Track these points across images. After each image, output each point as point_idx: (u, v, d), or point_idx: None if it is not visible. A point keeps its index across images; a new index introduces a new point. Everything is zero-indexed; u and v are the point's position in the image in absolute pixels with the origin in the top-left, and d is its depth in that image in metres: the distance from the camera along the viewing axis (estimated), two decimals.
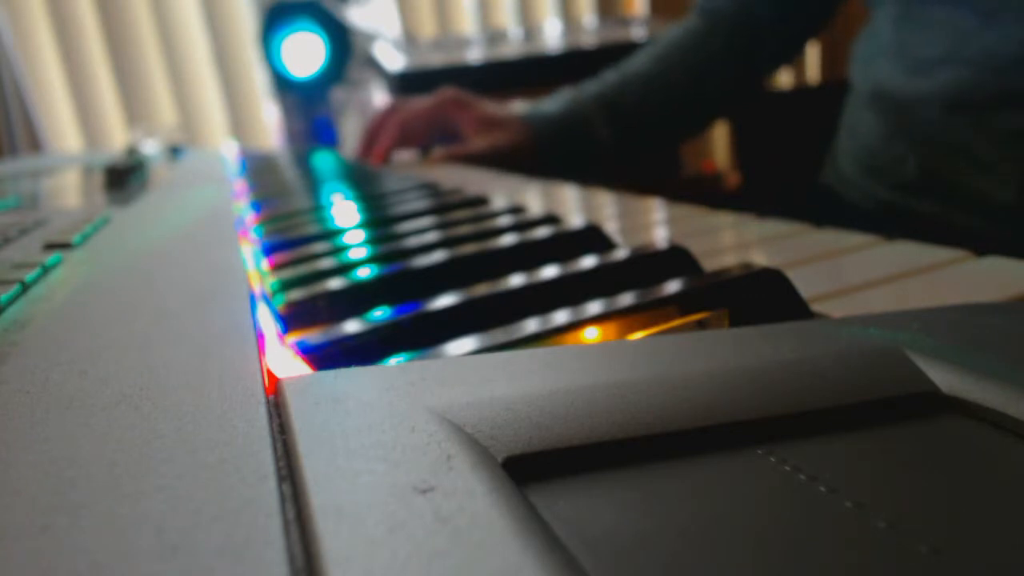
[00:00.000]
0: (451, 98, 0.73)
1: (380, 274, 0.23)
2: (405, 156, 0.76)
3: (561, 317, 0.17)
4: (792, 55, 0.87)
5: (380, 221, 0.35)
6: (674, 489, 0.10)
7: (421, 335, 0.17)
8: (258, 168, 0.71)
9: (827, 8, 0.81)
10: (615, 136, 0.74)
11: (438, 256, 0.25)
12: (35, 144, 1.20)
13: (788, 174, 0.87)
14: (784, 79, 2.03)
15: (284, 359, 0.16)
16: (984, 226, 0.49)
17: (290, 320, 0.20)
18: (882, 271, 0.20)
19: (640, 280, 0.20)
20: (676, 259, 0.22)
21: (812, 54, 1.98)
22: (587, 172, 0.51)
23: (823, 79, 1.85)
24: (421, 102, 0.73)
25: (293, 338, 0.18)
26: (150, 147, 0.97)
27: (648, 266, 0.21)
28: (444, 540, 0.08)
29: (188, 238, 0.30)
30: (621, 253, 0.23)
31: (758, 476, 0.10)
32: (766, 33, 0.79)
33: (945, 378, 0.12)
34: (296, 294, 0.22)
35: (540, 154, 0.74)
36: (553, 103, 0.78)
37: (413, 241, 0.28)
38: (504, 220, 0.31)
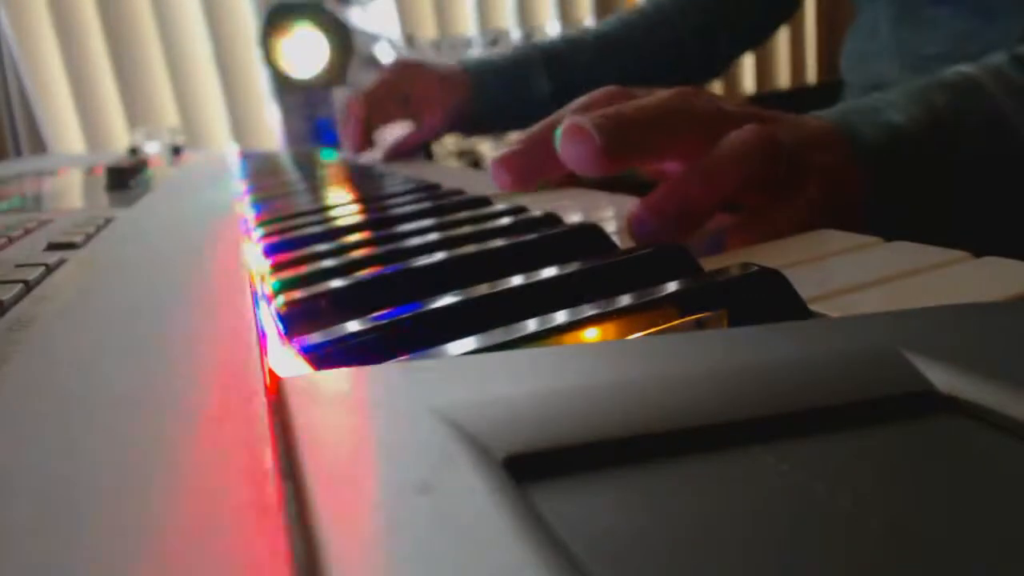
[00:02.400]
0: (403, 65, 0.73)
1: (381, 274, 0.23)
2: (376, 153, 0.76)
3: (561, 317, 0.17)
4: (758, 39, 0.87)
5: (381, 222, 0.35)
6: (674, 488, 0.10)
7: (422, 335, 0.18)
8: (260, 169, 0.72)
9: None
10: (553, 89, 0.71)
11: (439, 256, 0.25)
12: (39, 146, 1.20)
13: None
14: (782, 79, 2.03)
15: (285, 359, 0.16)
16: (983, 223, 0.49)
17: (291, 320, 0.20)
18: (880, 271, 0.20)
19: (640, 280, 0.20)
20: (675, 259, 0.22)
21: (810, 55, 1.98)
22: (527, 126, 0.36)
23: (820, 80, 1.85)
24: (376, 78, 0.74)
25: (294, 338, 0.18)
26: (152, 148, 0.97)
27: (647, 266, 0.21)
28: (445, 540, 0.08)
29: (190, 238, 0.31)
30: (621, 253, 0.23)
31: (757, 475, 0.10)
32: (732, 15, 0.79)
33: (942, 377, 0.12)
34: (297, 294, 0.22)
35: (479, 104, 0.70)
36: (503, 54, 0.76)
37: (414, 241, 0.28)
38: (504, 220, 0.31)
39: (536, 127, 0.32)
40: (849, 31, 0.68)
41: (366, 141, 0.73)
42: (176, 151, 0.92)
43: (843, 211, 0.30)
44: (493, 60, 0.75)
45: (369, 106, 0.72)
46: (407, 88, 0.72)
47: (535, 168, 0.32)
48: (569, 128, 0.27)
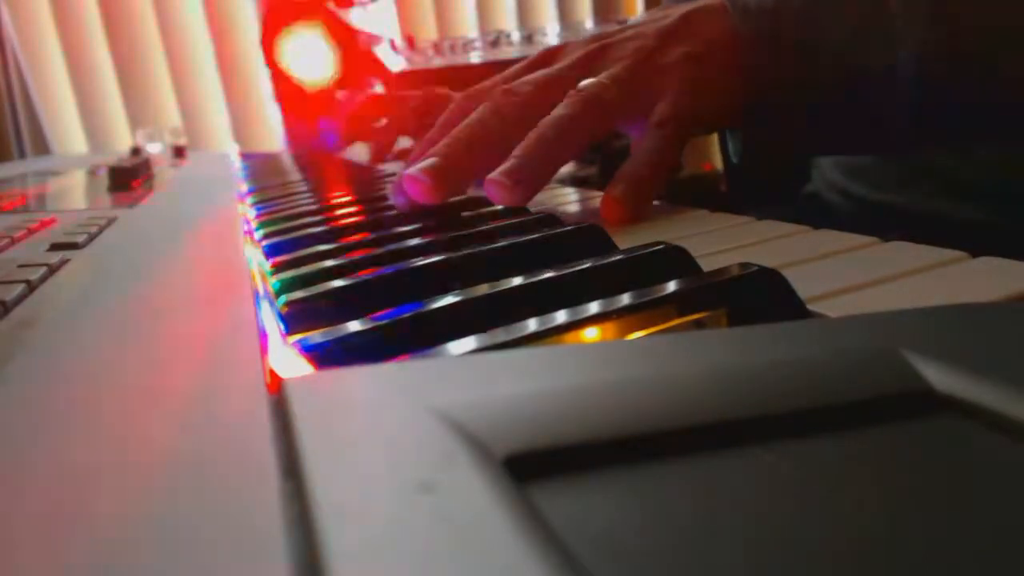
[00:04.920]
0: (436, 94, 0.76)
1: (382, 274, 0.23)
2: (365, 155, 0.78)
3: (561, 317, 0.17)
4: None
5: (382, 222, 0.35)
6: (673, 487, 0.10)
7: (422, 334, 0.18)
8: (261, 170, 0.72)
9: None
10: None
11: (439, 256, 0.25)
12: (43, 147, 1.21)
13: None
14: None
15: (287, 358, 0.16)
16: (969, 215, 0.50)
17: (292, 320, 0.21)
18: (878, 271, 0.20)
19: (639, 280, 0.20)
20: (675, 259, 0.22)
21: None
22: None
23: None
24: (409, 92, 0.77)
25: (295, 337, 0.18)
26: (154, 149, 0.98)
27: (647, 266, 0.21)
28: (445, 539, 0.08)
29: (192, 239, 0.31)
30: (620, 253, 0.23)
31: (756, 474, 0.10)
32: None
33: (941, 377, 0.12)
34: (298, 294, 0.22)
35: None
36: None
37: (415, 241, 0.29)
38: (505, 220, 0.31)
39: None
40: None
41: (386, 152, 0.74)
42: (178, 152, 0.92)
43: (720, 85, 0.34)
44: None
45: (387, 105, 0.74)
46: (436, 114, 0.74)
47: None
48: (407, 178, 0.33)
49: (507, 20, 1.73)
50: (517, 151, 0.32)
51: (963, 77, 0.34)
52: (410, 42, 1.30)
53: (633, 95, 0.34)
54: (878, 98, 0.35)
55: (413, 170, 0.33)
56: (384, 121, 0.77)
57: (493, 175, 0.31)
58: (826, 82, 0.35)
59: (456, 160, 0.33)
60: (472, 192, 0.40)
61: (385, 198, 0.43)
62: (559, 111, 0.33)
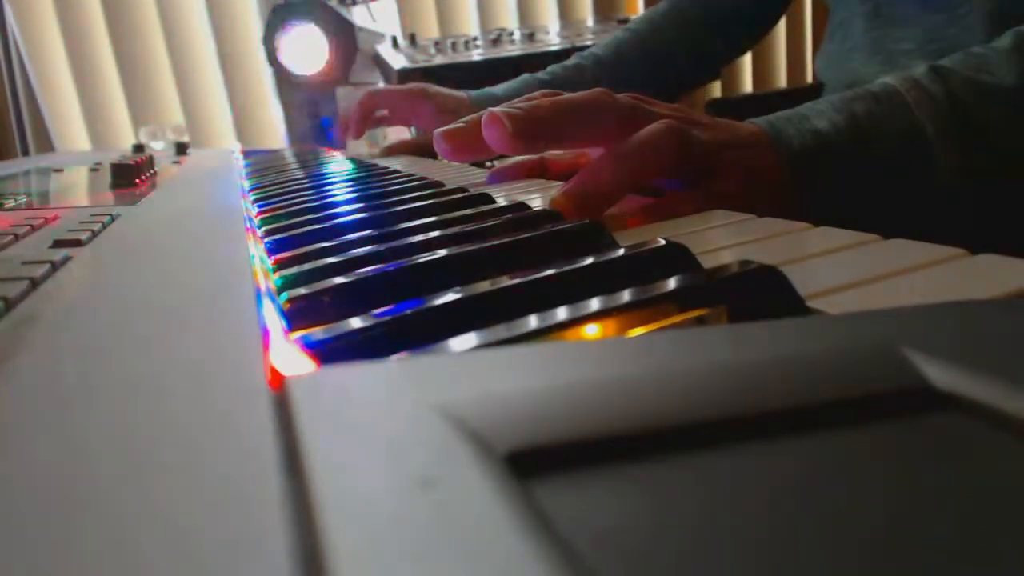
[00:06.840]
0: (415, 89, 0.77)
1: (384, 271, 0.24)
2: (363, 149, 0.79)
3: (562, 313, 0.17)
4: (754, 38, 0.89)
5: (384, 218, 0.35)
6: (673, 484, 0.10)
7: (424, 331, 0.18)
8: (263, 167, 0.72)
9: (780, 1, 0.84)
10: None
11: (441, 253, 0.25)
12: (46, 144, 1.21)
13: None
14: (780, 79, 2.03)
15: (289, 355, 0.16)
16: (961, 213, 0.50)
17: (294, 316, 0.21)
18: (878, 268, 0.20)
19: (640, 277, 0.20)
20: (675, 257, 0.22)
21: (808, 55, 1.98)
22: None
23: (816, 80, 1.87)
24: (390, 87, 0.79)
25: (297, 334, 0.18)
26: (157, 146, 0.98)
27: (648, 263, 0.21)
28: (447, 535, 0.08)
29: (194, 235, 0.31)
30: (621, 251, 0.23)
31: (757, 471, 0.10)
32: (723, 22, 0.81)
33: (940, 374, 0.12)
34: (300, 290, 0.22)
35: None
36: (506, 83, 0.81)
37: (417, 238, 0.29)
38: (506, 217, 0.31)
39: (480, 112, 0.37)
40: (825, 34, 0.70)
41: (351, 135, 0.77)
42: (180, 149, 0.92)
43: (766, 203, 0.34)
44: (496, 91, 0.80)
45: (367, 110, 0.76)
46: (414, 113, 0.76)
47: (469, 145, 0.38)
48: (487, 116, 0.33)
49: (508, 18, 1.73)
50: (585, 170, 0.32)
51: (1001, 165, 0.38)
52: (411, 40, 1.30)
53: (704, 156, 0.34)
54: (920, 196, 0.38)
55: (497, 109, 0.33)
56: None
57: (557, 195, 0.32)
58: (868, 201, 0.38)
59: (540, 115, 0.34)
60: (474, 189, 0.40)
61: (387, 194, 0.43)
62: (642, 136, 0.32)
